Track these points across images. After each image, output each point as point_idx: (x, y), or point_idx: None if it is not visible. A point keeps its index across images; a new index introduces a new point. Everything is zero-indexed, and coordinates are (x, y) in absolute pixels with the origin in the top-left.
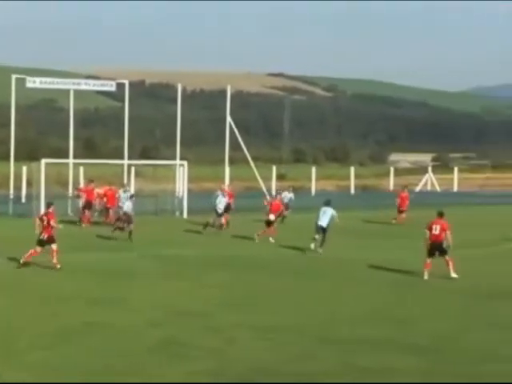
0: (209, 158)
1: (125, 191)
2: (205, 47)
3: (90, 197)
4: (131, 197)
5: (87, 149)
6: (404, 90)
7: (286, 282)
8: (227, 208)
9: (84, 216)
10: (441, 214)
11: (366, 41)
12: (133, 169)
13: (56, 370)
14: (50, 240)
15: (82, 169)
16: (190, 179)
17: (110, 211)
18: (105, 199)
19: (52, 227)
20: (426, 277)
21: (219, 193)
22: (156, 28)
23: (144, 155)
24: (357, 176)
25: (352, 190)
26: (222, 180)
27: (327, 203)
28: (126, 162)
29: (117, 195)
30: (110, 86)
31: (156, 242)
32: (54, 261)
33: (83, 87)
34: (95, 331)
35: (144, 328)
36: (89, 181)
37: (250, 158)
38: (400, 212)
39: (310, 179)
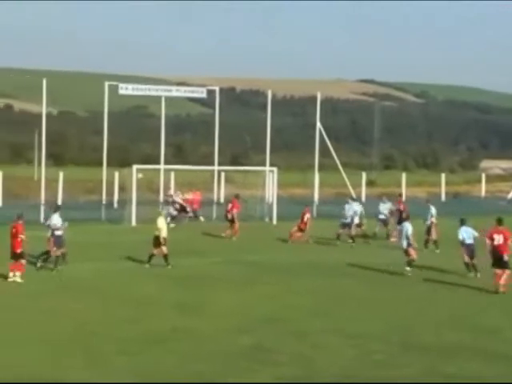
0: (298, 165)
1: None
2: (294, 55)
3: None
4: None
5: (178, 155)
6: (496, 96)
7: (369, 289)
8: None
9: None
10: (500, 221)
11: (456, 47)
12: (223, 175)
13: (144, 376)
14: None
15: (172, 175)
16: (279, 185)
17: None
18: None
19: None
20: (501, 289)
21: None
22: (245, 36)
23: (234, 161)
24: (447, 183)
25: (443, 197)
26: (311, 186)
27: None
28: (216, 168)
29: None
30: (201, 93)
31: (243, 248)
32: None
33: (174, 94)
34: (182, 336)
35: (231, 334)
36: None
37: (339, 165)
38: None
39: (399, 186)
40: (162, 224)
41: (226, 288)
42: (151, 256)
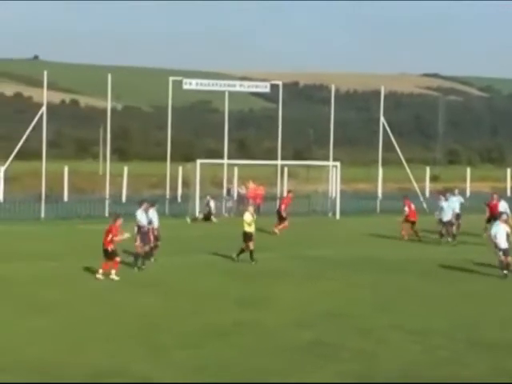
0: (361, 159)
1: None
2: (358, 49)
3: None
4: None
5: (241, 150)
6: None
7: (432, 285)
8: None
9: None
10: None
11: None
12: (286, 169)
13: (204, 369)
14: None
15: (236, 170)
16: (343, 180)
17: None
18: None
19: None
20: None
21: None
22: (309, 31)
23: (297, 156)
24: None
25: (508, 192)
26: (375, 181)
27: None
28: (279, 162)
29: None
30: (264, 88)
31: (306, 243)
32: None
33: (238, 89)
34: (244, 330)
35: (292, 328)
36: None
37: (403, 159)
38: None
39: (464, 180)
40: (250, 219)
41: (287, 283)
42: (241, 251)
